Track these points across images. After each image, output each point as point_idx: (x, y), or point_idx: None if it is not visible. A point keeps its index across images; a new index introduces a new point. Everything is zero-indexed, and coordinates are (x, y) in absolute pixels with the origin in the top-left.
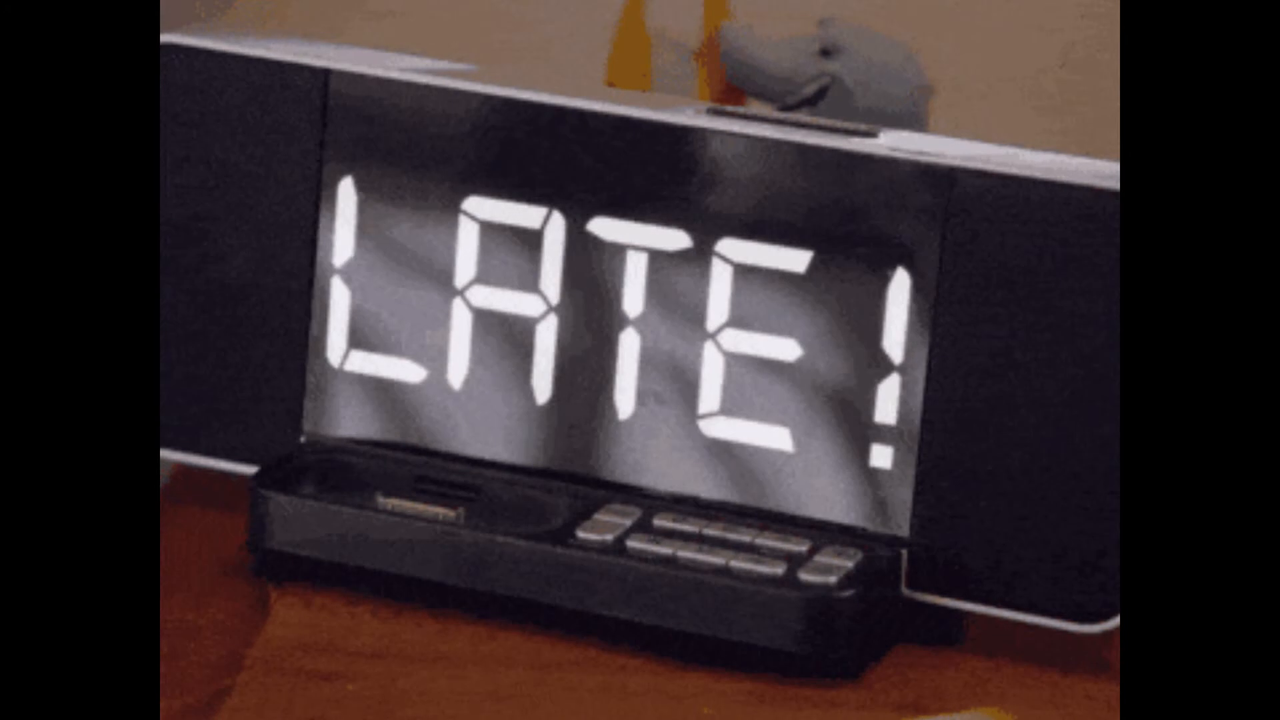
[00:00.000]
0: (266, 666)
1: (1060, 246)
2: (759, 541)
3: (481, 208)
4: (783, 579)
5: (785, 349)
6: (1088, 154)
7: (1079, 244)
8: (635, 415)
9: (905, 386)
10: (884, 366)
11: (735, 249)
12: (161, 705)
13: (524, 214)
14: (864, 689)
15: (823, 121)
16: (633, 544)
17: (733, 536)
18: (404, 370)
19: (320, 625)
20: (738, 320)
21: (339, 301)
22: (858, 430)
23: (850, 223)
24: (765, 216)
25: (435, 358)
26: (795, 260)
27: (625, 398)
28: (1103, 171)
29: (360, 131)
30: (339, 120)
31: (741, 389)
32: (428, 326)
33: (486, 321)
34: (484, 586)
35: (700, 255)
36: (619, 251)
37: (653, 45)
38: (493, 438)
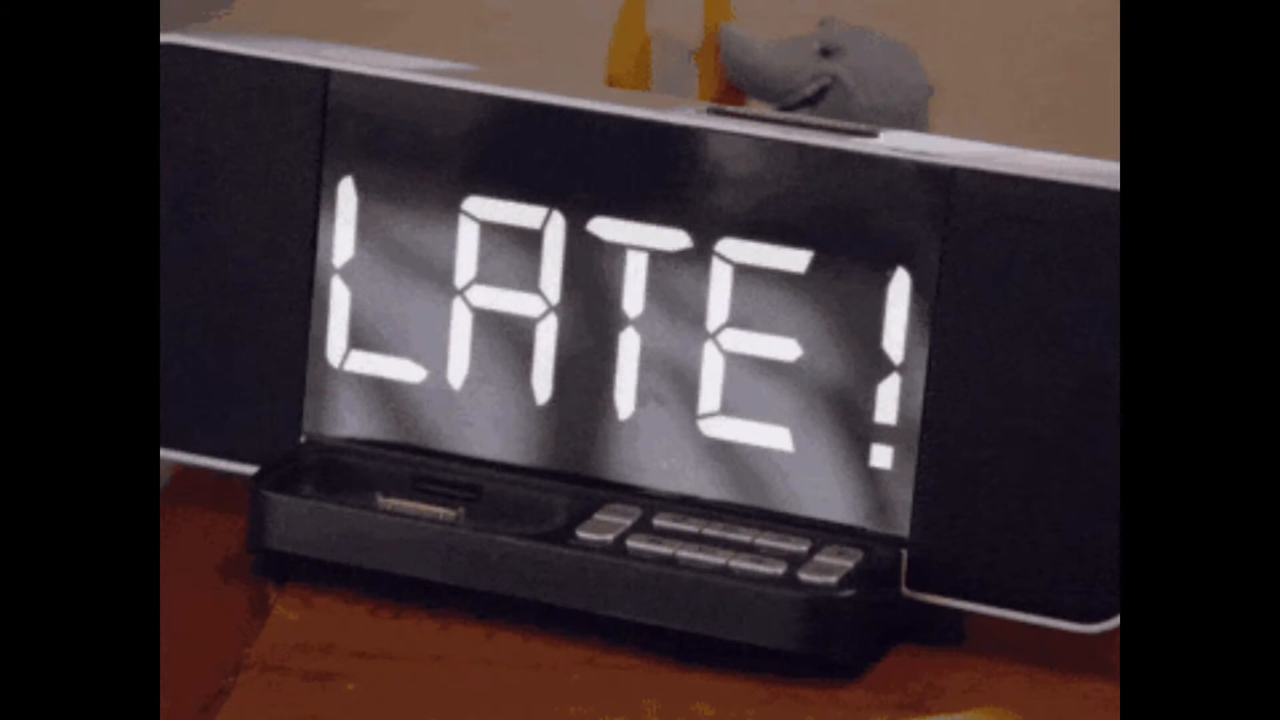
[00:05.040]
0: (266, 666)
1: (1060, 246)
2: (759, 541)
3: (481, 208)
4: (783, 579)
5: (785, 349)
6: (1088, 154)
7: (1079, 244)
8: (635, 415)
9: (905, 386)
10: (884, 366)
11: (735, 249)
12: (161, 705)
13: (524, 214)
14: (864, 689)
15: (823, 121)
16: (633, 544)
17: (733, 536)
18: (404, 370)
19: (320, 625)
20: (738, 320)
21: (339, 301)
22: (858, 430)
23: (850, 223)
24: (765, 216)
25: (435, 358)
26: (795, 260)
27: (625, 398)
28: (1103, 171)
29: (360, 131)
30: (339, 120)
31: (741, 389)
32: (428, 326)
33: (486, 321)
34: (484, 586)
35: (700, 255)
36: (619, 251)
37: (653, 45)
38: (493, 438)
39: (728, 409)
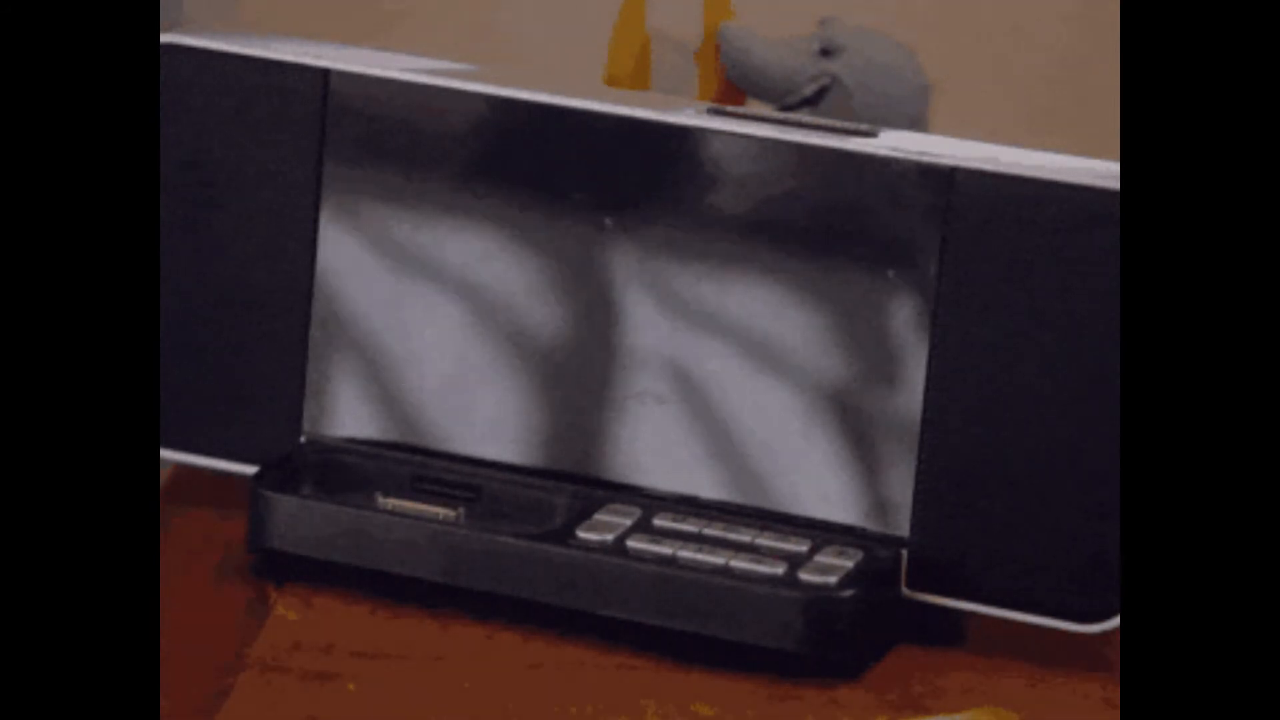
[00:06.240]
0: (266, 666)
1: (1060, 246)
2: (759, 541)
3: (481, 207)
4: (783, 579)
5: (785, 349)
6: (1088, 154)
7: (1079, 244)
8: (635, 415)
9: (905, 386)
10: (884, 366)
11: (736, 248)
12: (161, 705)
13: (524, 214)
14: (864, 689)
15: (823, 121)
16: (633, 544)
17: (733, 536)
18: (404, 370)
19: (320, 625)
20: (738, 320)
21: (339, 301)
22: (858, 430)
23: (850, 223)
24: (765, 216)
25: (435, 358)
26: (795, 260)
27: (625, 398)
28: (1103, 171)
29: (360, 131)
30: (339, 120)
31: (742, 389)
32: (427, 325)
33: (486, 320)
34: (484, 586)
35: (700, 255)
36: (619, 251)
37: (653, 45)
38: (493, 438)
39: (728, 409)
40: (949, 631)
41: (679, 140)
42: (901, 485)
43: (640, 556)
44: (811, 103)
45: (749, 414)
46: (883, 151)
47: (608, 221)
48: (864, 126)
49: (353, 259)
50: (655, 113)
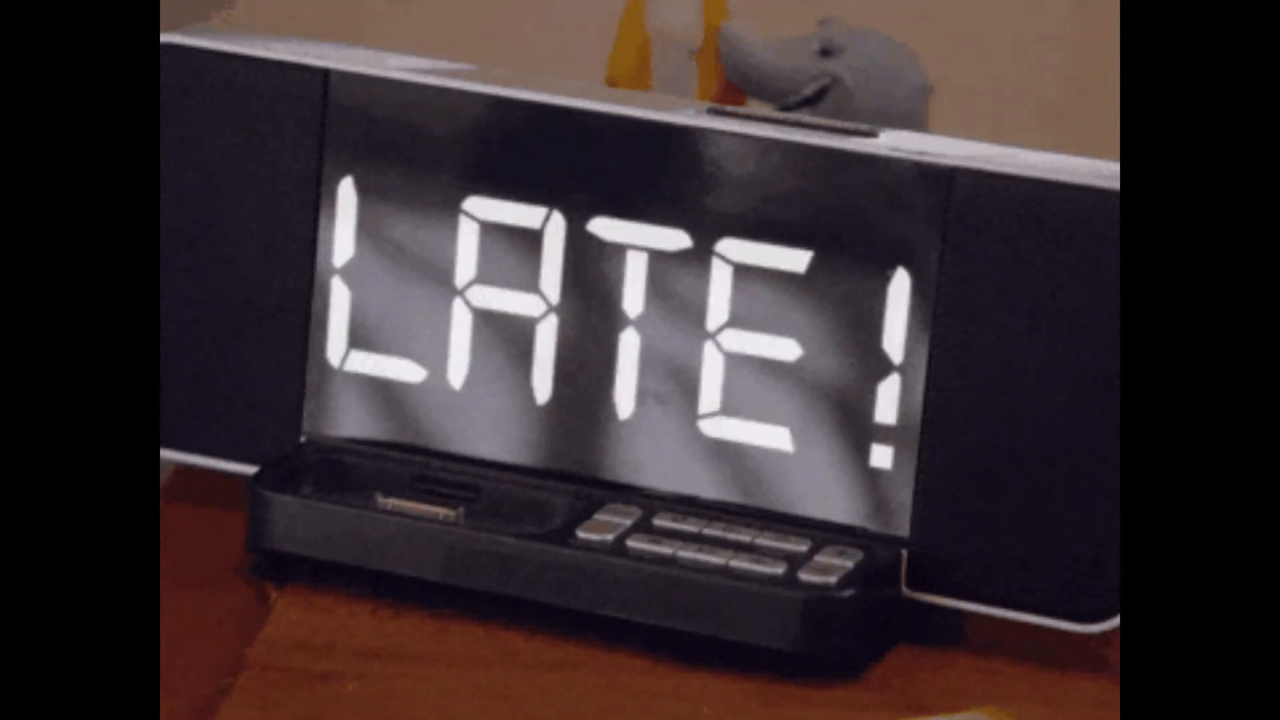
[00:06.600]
0: (266, 666)
1: (1060, 246)
2: (759, 541)
3: (481, 208)
4: (783, 579)
5: (785, 349)
6: (1088, 154)
7: (1079, 244)
8: (635, 415)
9: (905, 386)
10: (884, 366)
11: (735, 249)
12: (161, 705)
13: (524, 214)
14: (864, 689)
15: (823, 121)
16: (633, 544)
17: (733, 536)
18: (404, 370)
19: (320, 625)
20: (738, 320)
21: (339, 301)
22: (858, 430)
23: (850, 223)
24: (765, 216)
25: (435, 358)
26: (795, 260)
27: (625, 398)
28: (1103, 171)
29: (360, 131)
30: (339, 120)
31: (741, 389)
32: (428, 326)
33: (486, 321)
34: (484, 586)
35: (700, 255)
36: (619, 251)
37: (653, 45)
38: (493, 438)
39: (728, 409)
40: (949, 631)
41: (679, 140)
42: (901, 485)
43: (640, 556)
44: (811, 103)
45: (748, 415)
46: (883, 151)
47: (607, 221)
48: (864, 126)
49: (353, 259)
50: (655, 113)
